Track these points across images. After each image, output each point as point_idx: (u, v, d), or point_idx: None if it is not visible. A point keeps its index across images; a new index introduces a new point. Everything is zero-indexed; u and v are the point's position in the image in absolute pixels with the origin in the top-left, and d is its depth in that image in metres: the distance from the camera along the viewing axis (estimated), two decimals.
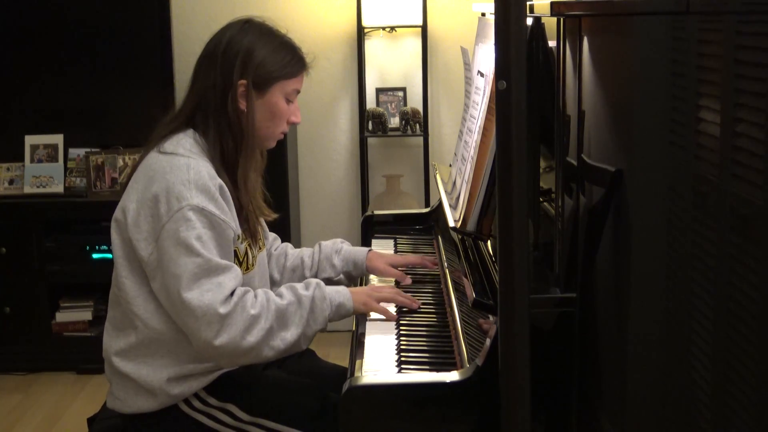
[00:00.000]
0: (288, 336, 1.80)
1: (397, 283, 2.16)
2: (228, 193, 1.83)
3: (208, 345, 1.74)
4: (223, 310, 1.73)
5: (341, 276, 2.18)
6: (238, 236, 1.87)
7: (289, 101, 1.92)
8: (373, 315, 1.94)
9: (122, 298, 1.85)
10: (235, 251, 1.86)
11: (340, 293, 1.89)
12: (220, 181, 1.82)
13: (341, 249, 2.19)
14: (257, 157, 1.97)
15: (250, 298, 1.78)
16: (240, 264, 1.87)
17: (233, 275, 1.78)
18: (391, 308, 1.97)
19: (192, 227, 1.74)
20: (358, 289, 1.98)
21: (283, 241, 2.26)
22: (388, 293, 1.97)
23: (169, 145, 1.85)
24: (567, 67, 1.53)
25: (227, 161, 1.87)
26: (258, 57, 1.87)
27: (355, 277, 2.20)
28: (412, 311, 1.97)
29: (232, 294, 1.76)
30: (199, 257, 1.74)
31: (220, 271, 1.76)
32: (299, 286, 1.87)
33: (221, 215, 1.78)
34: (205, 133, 1.88)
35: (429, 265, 2.21)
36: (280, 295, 1.84)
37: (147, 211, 1.78)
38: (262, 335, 1.76)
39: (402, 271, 2.20)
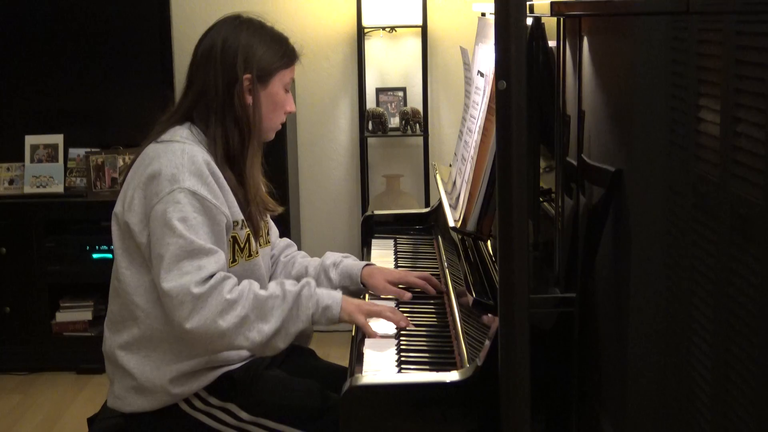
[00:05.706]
0: (266, 328, 1.77)
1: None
2: (222, 179, 1.84)
3: (180, 327, 1.73)
4: (196, 290, 1.72)
5: (339, 290, 2.04)
6: (237, 222, 1.87)
7: (285, 90, 1.97)
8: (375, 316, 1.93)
9: (122, 290, 1.85)
10: (234, 237, 1.87)
11: (332, 297, 1.86)
12: (214, 166, 1.83)
13: (340, 263, 2.12)
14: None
15: (229, 284, 1.76)
16: (241, 250, 1.88)
17: (215, 259, 1.76)
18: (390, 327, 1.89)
19: (180, 209, 1.75)
20: (354, 300, 1.93)
21: None
22: (377, 308, 1.91)
23: (166, 135, 1.88)
24: (567, 67, 1.53)
25: (232, 156, 1.89)
26: (258, 51, 1.91)
27: (353, 292, 2.09)
28: (412, 309, 1.97)
29: (210, 277, 1.75)
30: (181, 238, 1.74)
31: (203, 254, 1.75)
32: (289, 282, 1.85)
33: (213, 200, 1.79)
34: (205, 130, 1.89)
35: (430, 290, 2.09)
36: (265, 288, 1.82)
37: (141, 194, 1.81)
38: (235, 322, 1.74)
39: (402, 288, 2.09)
